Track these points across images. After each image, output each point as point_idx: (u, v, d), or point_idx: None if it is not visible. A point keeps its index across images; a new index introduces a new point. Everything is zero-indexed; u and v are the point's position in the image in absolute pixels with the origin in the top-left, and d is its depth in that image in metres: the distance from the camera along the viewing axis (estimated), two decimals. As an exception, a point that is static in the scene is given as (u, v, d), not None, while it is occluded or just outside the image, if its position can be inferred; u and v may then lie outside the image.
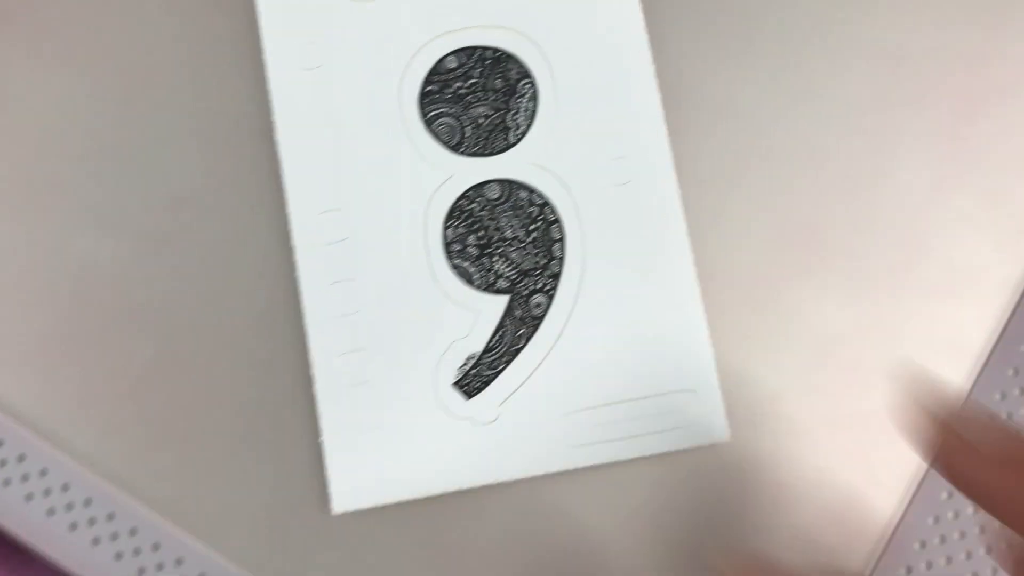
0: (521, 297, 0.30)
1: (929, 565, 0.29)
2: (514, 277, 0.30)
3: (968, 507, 0.30)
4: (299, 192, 0.31)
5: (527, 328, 0.30)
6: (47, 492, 0.30)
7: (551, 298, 0.30)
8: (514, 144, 0.31)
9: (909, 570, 0.29)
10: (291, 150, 0.31)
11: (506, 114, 0.31)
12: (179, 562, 0.30)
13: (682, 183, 0.31)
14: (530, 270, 0.31)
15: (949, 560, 0.29)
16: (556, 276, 0.30)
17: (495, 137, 0.31)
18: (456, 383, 0.30)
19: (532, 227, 0.31)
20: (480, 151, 0.31)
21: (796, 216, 0.31)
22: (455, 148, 0.31)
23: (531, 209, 0.31)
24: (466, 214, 0.31)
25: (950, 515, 0.30)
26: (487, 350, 0.30)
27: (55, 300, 0.31)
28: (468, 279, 0.30)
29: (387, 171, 0.31)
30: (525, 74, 0.31)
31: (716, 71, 0.32)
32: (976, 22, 0.32)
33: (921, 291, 0.31)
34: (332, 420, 0.30)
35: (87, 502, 0.30)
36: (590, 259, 0.31)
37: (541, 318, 0.30)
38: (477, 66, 0.31)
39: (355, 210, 0.31)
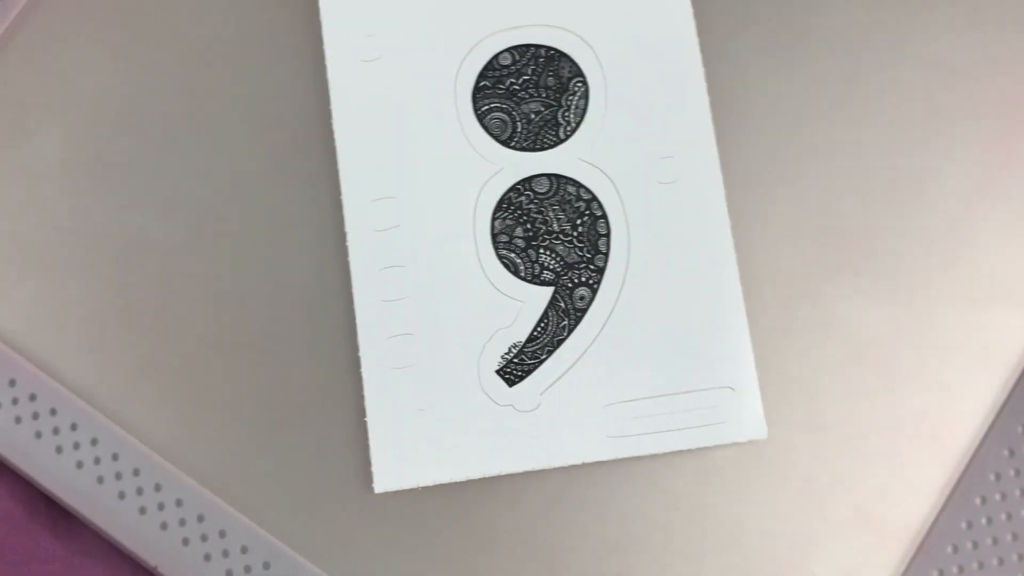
0: (565, 289, 0.31)
1: (961, 569, 0.30)
2: (559, 269, 0.31)
3: (1002, 513, 0.30)
4: (353, 179, 0.32)
5: (570, 320, 0.31)
6: (97, 460, 0.31)
7: (595, 291, 0.31)
8: (564, 140, 0.32)
9: (941, 573, 0.30)
10: (347, 138, 0.32)
11: (557, 111, 0.32)
12: (222, 534, 0.31)
13: (727, 183, 0.31)
14: (575, 263, 0.31)
15: (981, 565, 0.30)
16: (600, 270, 0.31)
17: (545, 132, 0.32)
18: (499, 370, 0.31)
19: (578, 221, 0.31)
20: (530, 146, 0.32)
21: (839, 218, 0.31)
22: (506, 142, 0.32)
23: (578, 204, 0.31)
24: (514, 206, 0.32)
25: (984, 520, 0.30)
26: (530, 339, 0.31)
27: (113, 276, 0.32)
28: (514, 270, 0.31)
29: (439, 162, 0.32)
30: (577, 73, 0.32)
31: (765, 75, 0.32)
32: None
33: (961, 297, 0.31)
34: (377, 402, 0.31)
35: (136, 472, 0.31)
36: (634, 255, 0.31)
37: (584, 311, 0.31)
38: (530, 63, 0.32)
39: (406, 199, 0.32)
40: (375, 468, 0.30)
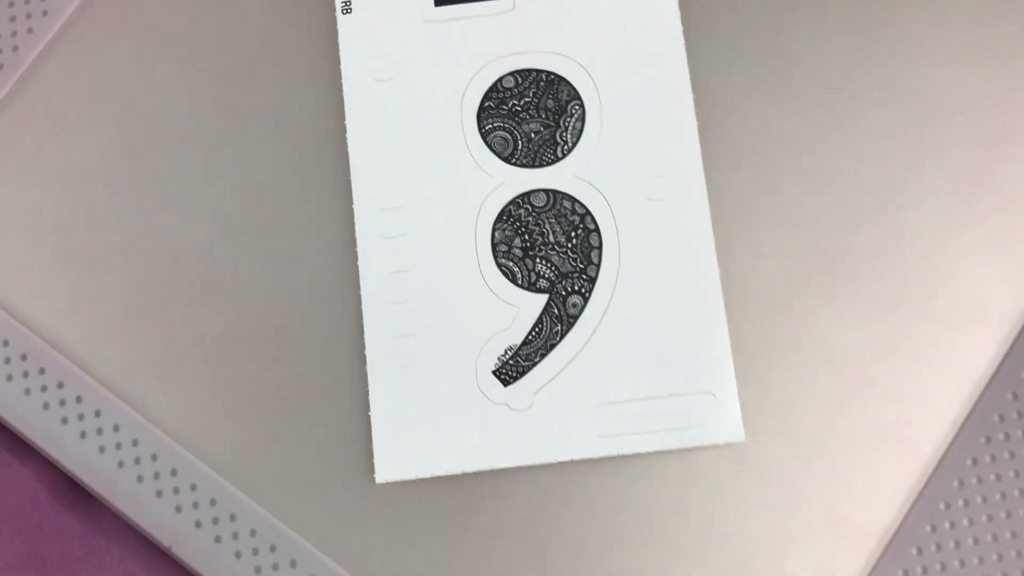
0: (559, 297, 0.33)
1: (925, 570, 0.31)
2: (554, 278, 0.33)
3: (964, 518, 0.32)
4: (364, 190, 0.34)
5: (563, 325, 0.33)
6: (118, 446, 0.33)
7: (587, 299, 0.33)
8: (561, 158, 0.34)
9: (906, 573, 0.31)
10: (359, 152, 0.34)
11: (555, 131, 0.34)
12: (233, 517, 0.33)
13: (713, 202, 0.34)
14: (569, 273, 0.33)
15: (944, 567, 0.31)
16: (592, 280, 0.33)
17: (544, 151, 0.34)
18: (495, 371, 0.33)
19: (573, 234, 0.34)
20: (530, 163, 0.34)
21: (818, 240, 0.34)
22: (508, 159, 0.34)
23: (573, 218, 0.34)
24: (514, 218, 0.34)
25: (947, 525, 0.32)
26: (525, 343, 0.33)
27: (139, 273, 0.34)
28: (512, 277, 0.33)
29: (445, 176, 0.34)
30: (575, 96, 0.34)
31: (750, 103, 0.34)
32: (1001, 68, 0.34)
33: (932, 316, 0.33)
34: (380, 397, 0.33)
35: (154, 457, 0.33)
36: (624, 266, 0.33)
37: (576, 317, 0.33)
38: (532, 87, 0.35)
39: (413, 209, 0.34)
40: (377, 460, 0.32)
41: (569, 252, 0.33)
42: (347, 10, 0.35)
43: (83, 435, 0.33)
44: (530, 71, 0.35)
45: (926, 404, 0.32)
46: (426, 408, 0.33)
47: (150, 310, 0.34)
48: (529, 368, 0.33)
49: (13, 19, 0.36)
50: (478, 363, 0.33)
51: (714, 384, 0.32)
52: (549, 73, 0.35)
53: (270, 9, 0.36)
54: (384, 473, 0.32)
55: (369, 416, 0.33)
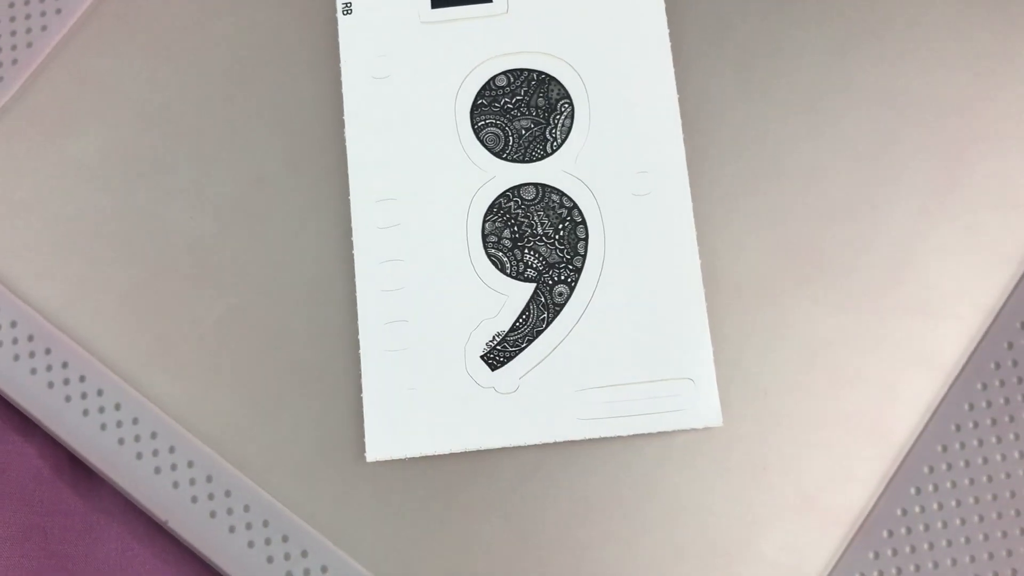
0: (546, 286, 0.35)
1: (895, 552, 0.33)
2: (541, 268, 0.35)
3: (934, 503, 0.33)
4: (360, 182, 0.35)
5: (549, 313, 0.34)
6: (119, 424, 0.35)
7: (572, 289, 0.34)
8: (550, 154, 0.36)
9: (876, 555, 0.33)
10: (357, 146, 0.36)
11: (545, 128, 0.36)
12: (228, 493, 0.34)
13: (695, 197, 0.35)
14: (556, 263, 0.35)
15: (913, 549, 0.33)
16: (578, 270, 0.35)
17: (534, 147, 0.36)
18: (483, 356, 0.34)
19: (560, 226, 0.35)
20: (520, 158, 0.36)
21: (796, 233, 0.35)
22: (499, 154, 0.36)
23: (561, 211, 0.35)
24: (504, 211, 0.35)
25: (917, 509, 0.33)
26: (512, 329, 0.34)
27: (142, 260, 0.36)
28: (501, 267, 0.35)
29: (438, 169, 0.35)
30: (564, 95, 0.36)
31: (732, 102, 0.36)
32: (972, 74, 0.36)
33: (904, 308, 0.34)
34: (372, 380, 0.34)
35: (153, 435, 0.34)
36: (609, 257, 0.35)
37: (562, 305, 0.34)
38: (523, 86, 0.36)
39: (407, 200, 0.35)
40: (368, 439, 0.34)
41: (556, 243, 0.35)
42: (348, 11, 0.37)
43: (85, 413, 0.35)
44: (522, 71, 0.36)
45: (898, 392, 0.34)
46: (416, 390, 0.34)
47: (152, 295, 0.35)
48: (516, 354, 0.34)
49: (28, 16, 0.38)
50: (467, 348, 0.34)
51: (693, 370, 0.34)
52: (540, 73, 0.36)
53: (274, 10, 0.37)
54: (375, 452, 0.34)
55: (361, 398, 0.34)
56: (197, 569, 0.35)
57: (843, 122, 0.36)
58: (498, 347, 0.34)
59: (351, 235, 0.35)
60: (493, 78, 0.36)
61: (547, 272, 0.35)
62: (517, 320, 0.34)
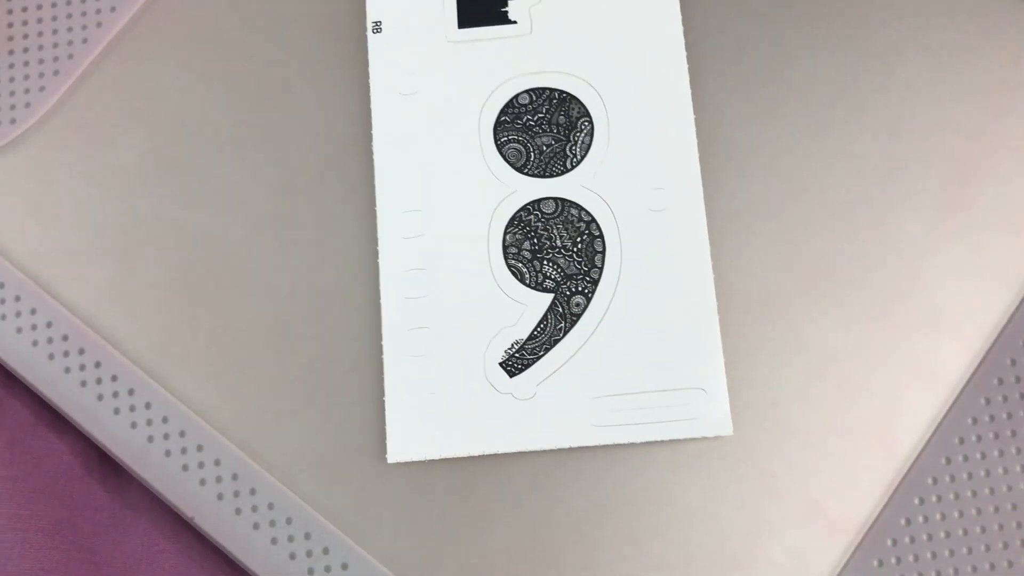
0: (564, 296, 0.36)
1: (898, 560, 0.33)
2: (559, 279, 0.36)
3: (937, 513, 0.34)
4: (387, 193, 0.37)
5: (566, 323, 0.36)
6: (149, 422, 0.36)
7: (589, 300, 0.36)
8: (570, 170, 0.37)
9: (880, 563, 0.33)
10: (384, 158, 0.37)
11: (565, 145, 0.37)
12: (253, 491, 0.35)
13: (709, 213, 0.36)
14: (573, 275, 0.36)
15: (916, 558, 0.33)
16: (595, 282, 0.36)
17: (555, 162, 0.37)
18: (502, 363, 0.35)
19: (578, 239, 0.36)
20: (541, 173, 0.37)
21: (806, 249, 0.36)
22: (520, 169, 0.37)
23: (579, 224, 0.36)
24: (524, 223, 0.36)
25: (920, 519, 0.34)
26: (530, 338, 0.35)
27: (175, 264, 0.37)
28: (520, 277, 0.36)
29: (462, 183, 0.37)
30: (585, 113, 0.37)
31: (746, 123, 0.37)
32: (977, 97, 0.37)
33: (911, 324, 0.35)
34: (395, 384, 0.35)
35: (182, 433, 0.36)
36: (625, 270, 0.36)
37: (579, 315, 0.36)
38: (545, 104, 0.37)
39: (432, 212, 0.37)
40: (389, 441, 0.35)
41: (574, 255, 0.36)
42: (377, 30, 0.38)
43: (116, 411, 0.36)
44: (544, 89, 0.38)
45: (903, 405, 0.35)
46: (436, 395, 0.35)
47: (184, 298, 0.37)
48: (533, 361, 0.35)
49: (70, 30, 0.40)
50: (486, 355, 0.35)
51: (705, 381, 0.35)
52: (561, 92, 0.38)
53: (307, 28, 0.39)
54: (396, 454, 0.35)
55: (383, 401, 0.35)
56: (221, 565, 0.36)
57: (853, 143, 0.37)
58: (516, 355, 0.35)
59: (377, 244, 0.37)
60: (516, 96, 0.38)
61: (565, 283, 0.36)
62: (535, 329, 0.36)
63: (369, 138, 0.38)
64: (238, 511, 0.35)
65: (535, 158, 0.37)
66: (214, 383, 0.36)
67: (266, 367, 0.36)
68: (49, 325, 0.37)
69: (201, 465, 0.35)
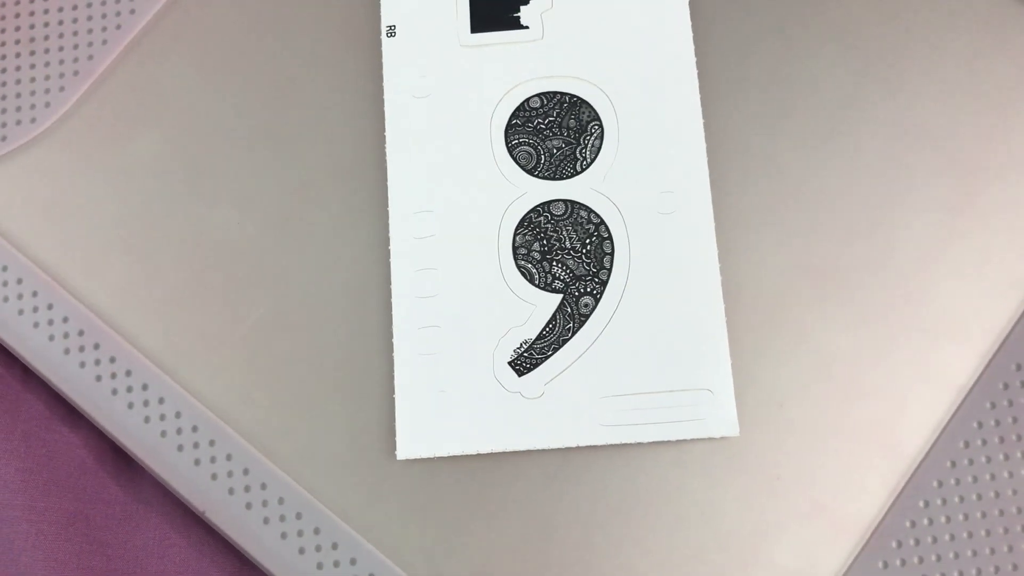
0: (572, 297, 0.36)
1: (903, 562, 0.34)
2: (568, 280, 0.36)
3: (942, 516, 0.34)
4: (399, 193, 0.37)
5: (575, 323, 0.36)
6: (162, 417, 0.36)
7: (597, 300, 0.36)
8: (580, 172, 0.37)
9: (885, 564, 0.34)
10: (397, 159, 0.38)
11: (576, 148, 0.38)
12: (264, 486, 0.35)
13: (717, 216, 0.37)
14: (582, 276, 0.36)
15: (921, 560, 0.34)
16: (604, 283, 0.36)
17: (565, 165, 0.37)
18: (510, 362, 0.36)
19: (588, 241, 0.37)
20: (551, 175, 0.37)
21: (813, 252, 0.36)
22: (531, 171, 0.37)
23: (588, 226, 0.37)
24: (534, 225, 0.37)
25: (925, 521, 0.34)
26: (539, 337, 0.36)
27: (190, 262, 0.38)
28: (530, 278, 0.36)
29: (473, 184, 0.37)
30: (595, 117, 0.38)
31: (755, 127, 0.38)
32: (984, 102, 0.37)
33: (917, 326, 0.36)
34: (405, 381, 0.36)
35: (194, 428, 0.36)
36: (634, 272, 0.36)
37: (588, 316, 0.36)
38: (556, 107, 0.38)
39: (443, 213, 0.37)
40: (399, 438, 0.35)
41: (583, 257, 0.37)
42: (391, 34, 0.39)
43: (130, 406, 0.36)
44: (555, 93, 0.38)
45: (910, 408, 0.35)
46: (446, 393, 0.35)
47: (198, 295, 0.37)
48: (542, 361, 0.36)
49: (90, 31, 0.40)
50: (495, 354, 0.36)
51: (712, 381, 0.35)
52: (572, 96, 0.38)
53: (322, 31, 0.40)
54: (405, 451, 0.35)
55: (393, 398, 0.36)
56: (231, 559, 0.36)
57: (861, 147, 0.37)
58: (525, 354, 0.36)
59: (388, 244, 0.37)
60: (527, 100, 0.38)
61: (574, 284, 0.36)
62: (544, 329, 0.36)
63: (382, 140, 0.38)
64: (249, 506, 0.35)
65: (545, 161, 0.37)
66: (227, 379, 0.36)
67: (278, 364, 0.36)
68: (65, 320, 0.37)
69: (213, 460, 0.36)
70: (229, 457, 0.36)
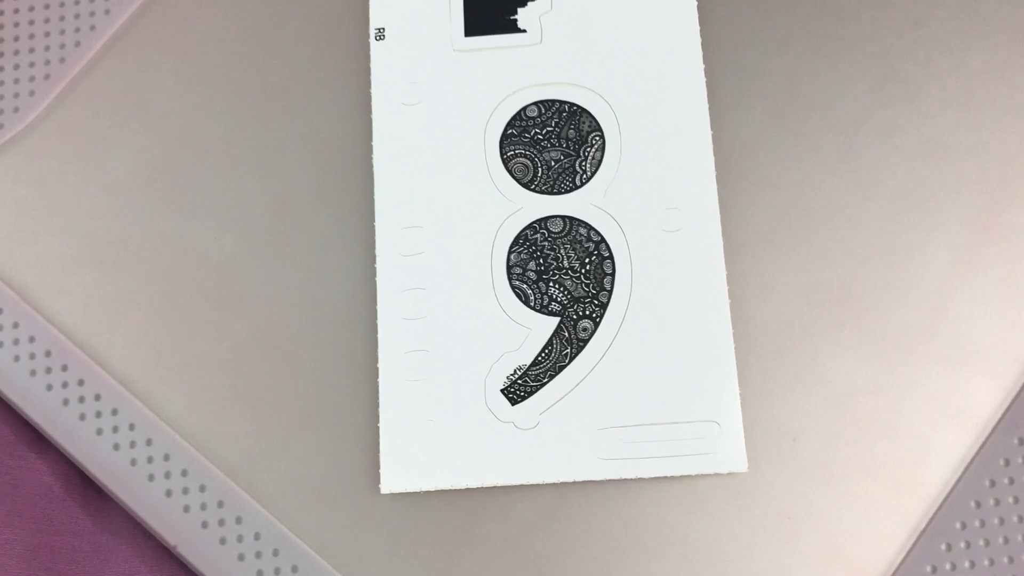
0: (570, 320, 0.34)
1: (923, 611, 0.31)
2: (566, 302, 0.34)
3: (965, 561, 0.32)
4: (386, 208, 0.35)
5: (572, 348, 0.34)
6: (132, 444, 0.34)
7: (597, 324, 0.34)
8: (579, 187, 0.35)
9: (904, 613, 0.31)
10: (384, 171, 0.35)
11: (575, 160, 0.35)
12: (239, 520, 0.33)
13: (726, 236, 0.34)
14: (581, 298, 0.34)
15: (943, 608, 0.31)
16: (604, 306, 0.34)
17: (563, 179, 0.35)
18: (503, 389, 0.33)
19: (587, 260, 0.34)
20: (549, 189, 0.35)
21: (829, 277, 0.34)
22: (527, 184, 0.35)
23: (588, 244, 0.35)
24: (530, 242, 0.35)
25: (947, 566, 0.32)
26: (534, 363, 0.34)
27: (164, 279, 0.35)
28: (525, 299, 0.34)
29: (465, 198, 0.35)
30: (596, 128, 0.35)
31: (766, 143, 0.35)
32: (1009, 120, 0.35)
33: (938, 358, 0.33)
34: (390, 410, 0.33)
35: (166, 457, 0.34)
36: (636, 294, 0.34)
37: (586, 341, 0.34)
38: (554, 117, 0.36)
39: (433, 229, 0.35)
40: (383, 470, 0.33)
41: (582, 277, 0.34)
42: (380, 37, 0.37)
43: (99, 432, 0.34)
44: (553, 102, 0.36)
45: (930, 444, 0.33)
46: (434, 422, 0.33)
47: (172, 315, 0.35)
48: (537, 389, 0.33)
49: (62, 32, 0.38)
50: (487, 381, 0.33)
51: (719, 413, 0.33)
52: (572, 104, 0.36)
53: (306, 33, 0.37)
54: (389, 484, 0.33)
55: (378, 427, 0.33)
56: (204, 596, 0.34)
57: (879, 166, 0.35)
58: (519, 381, 0.33)
59: (375, 261, 0.35)
60: (524, 108, 0.36)
61: (572, 306, 0.34)
62: (539, 354, 0.34)
63: (369, 150, 0.36)
64: (223, 540, 0.33)
65: (543, 174, 0.35)
66: (201, 405, 0.34)
67: (256, 389, 0.34)
68: (32, 340, 0.35)
69: (186, 491, 0.34)
70: (203, 488, 0.34)
